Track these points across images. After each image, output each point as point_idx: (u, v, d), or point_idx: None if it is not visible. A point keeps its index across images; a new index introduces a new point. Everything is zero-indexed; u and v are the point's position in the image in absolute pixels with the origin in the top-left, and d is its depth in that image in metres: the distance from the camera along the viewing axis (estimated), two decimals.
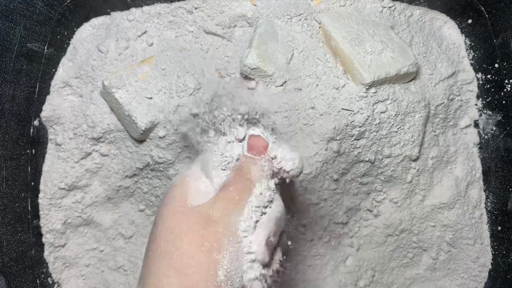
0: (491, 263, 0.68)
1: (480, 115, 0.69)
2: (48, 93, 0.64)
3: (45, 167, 0.64)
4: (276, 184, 0.42)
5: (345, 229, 0.68)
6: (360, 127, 0.59)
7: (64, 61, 0.65)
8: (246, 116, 0.47)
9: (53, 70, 0.64)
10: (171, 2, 0.64)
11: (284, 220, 0.42)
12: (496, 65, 0.64)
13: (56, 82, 0.64)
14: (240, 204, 0.38)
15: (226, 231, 0.36)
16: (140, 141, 0.62)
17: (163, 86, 0.59)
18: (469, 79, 0.68)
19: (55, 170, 0.64)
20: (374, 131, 0.60)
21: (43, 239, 0.64)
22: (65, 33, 0.64)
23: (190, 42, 0.64)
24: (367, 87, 0.58)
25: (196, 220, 0.37)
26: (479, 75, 0.68)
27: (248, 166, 0.41)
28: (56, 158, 0.64)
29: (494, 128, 0.67)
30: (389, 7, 0.64)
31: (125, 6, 0.65)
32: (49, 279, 0.65)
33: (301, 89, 0.60)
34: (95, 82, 0.62)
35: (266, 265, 0.38)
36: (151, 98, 0.59)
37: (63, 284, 0.67)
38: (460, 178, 0.68)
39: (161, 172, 0.63)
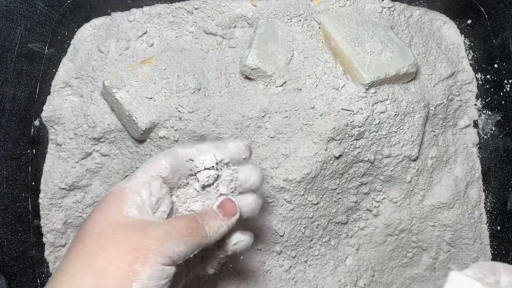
0: None
1: (480, 115, 0.69)
2: (48, 93, 0.64)
3: (45, 167, 0.65)
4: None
5: (345, 229, 0.68)
6: (360, 127, 0.59)
7: (65, 62, 0.65)
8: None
9: (54, 70, 0.64)
10: (171, 2, 0.64)
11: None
12: (496, 65, 0.64)
13: (57, 82, 0.64)
14: (182, 241, 0.37)
15: (158, 250, 0.35)
16: (141, 141, 0.62)
17: (164, 86, 0.59)
18: (468, 79, 0.69)
19: (55, 170, 0.64)
20: (374, 131, 0.60)
21: (44, 239, 0.65)
22: (66, 34, 0.64)
23: (190, 43, 0.64)
24: (367, 87, 0.58)
25: (132, 231, 0.36)
26: (479, 75, 0.68)
27: (210, 219, 0.41)
28: (57, 158, 0.65)
29: (493, 128, 0.67)
30: (389, 7, 0.64)
31: (126, 7, 0.65)
32: (49, 279, 0.65)
33: (301, 89, 0.60)
34: (96, 82, 0.63)
35: None
36: (151, 98, 0.59)
37: None
38: (460, 178, 0.68)
39: None
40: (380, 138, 0.61)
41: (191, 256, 0.38)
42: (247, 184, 0.45)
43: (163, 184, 0.41)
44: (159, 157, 0.41)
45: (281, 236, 0.64)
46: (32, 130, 0.62)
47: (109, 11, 0.65)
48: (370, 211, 0.68)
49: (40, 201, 0.64)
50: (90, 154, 0.64)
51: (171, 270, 0.37)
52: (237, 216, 0.42)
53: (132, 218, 0.37)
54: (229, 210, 0.42)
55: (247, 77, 0.60)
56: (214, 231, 0.40)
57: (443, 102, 0.66)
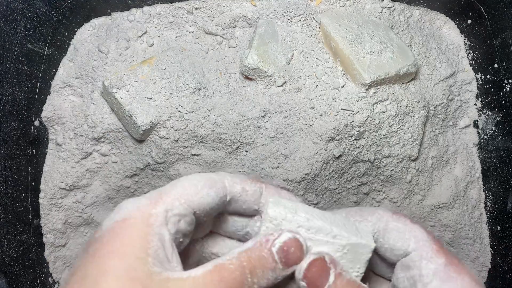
0: (490, 262, 0.69)
1: (480, 115, 0.69)
2: (48, 93, 0.64)
3: (45, 167, 0.65)
4: None
5: None
6: (360, 127, 0.59)
7: (65, 62, 0.65)
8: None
9: (54, 70, 0.64)
10: (172, 2, 0.64)
11: None
12: (496, 65, 0.64)
13: (57, 82, 0.64)
14: None
15: None
16: (141, 141, 0.62)
17: (164, 86, 0.59)
18: (468, 79, 0.69)
19: (55, 170, 0.64)
20: (374, 131, 0.60)
21: (44, 239, 0.65)
22: (66, 34, 0.64)
23: (190, 43, 0.64)
24: (367, 87, 0.58)
25: None
26: (479, 75, 0.68)
27: (262, 270, 0.28)
28: (57, 158, 0.65)
29: (493, 128, 0.67)
30: (389, 7, 0.64)
31: (126, 7, 0.65)
32: (49, 278, 0.65)
33: (301, 89, 0.60)
34: (96, 83, 0.63)
35: None
36: (151, 98, 0.59)
37: None
38: (460, 178, 0.68)
39: (162, 172, 0.63)
40: (380, 138, 0.61)
41: None
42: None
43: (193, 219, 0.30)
44: (199, 179, 0.30)
45: None
46: (32, 130, 0.62)
47: (109, 11, 0.65)
48: None
49: (40, 201, 0.64)
50: (90, 154, 0.64)
51: None
52: (303, 265, 0.29)
53: (157, 275, 0.26)
54: (292, 259, 0.29)
55: (247, 77, 0.60)
56: (265, 285, 0.28)
57: (443, 102, 0.66)
